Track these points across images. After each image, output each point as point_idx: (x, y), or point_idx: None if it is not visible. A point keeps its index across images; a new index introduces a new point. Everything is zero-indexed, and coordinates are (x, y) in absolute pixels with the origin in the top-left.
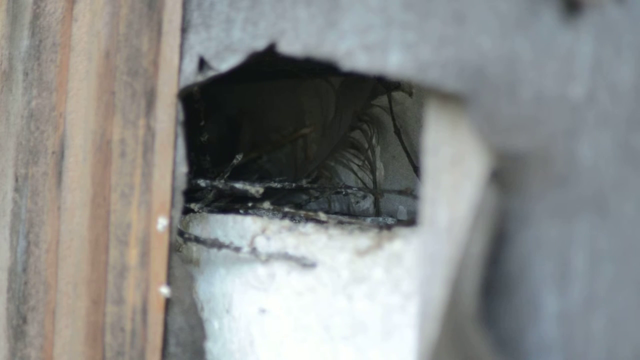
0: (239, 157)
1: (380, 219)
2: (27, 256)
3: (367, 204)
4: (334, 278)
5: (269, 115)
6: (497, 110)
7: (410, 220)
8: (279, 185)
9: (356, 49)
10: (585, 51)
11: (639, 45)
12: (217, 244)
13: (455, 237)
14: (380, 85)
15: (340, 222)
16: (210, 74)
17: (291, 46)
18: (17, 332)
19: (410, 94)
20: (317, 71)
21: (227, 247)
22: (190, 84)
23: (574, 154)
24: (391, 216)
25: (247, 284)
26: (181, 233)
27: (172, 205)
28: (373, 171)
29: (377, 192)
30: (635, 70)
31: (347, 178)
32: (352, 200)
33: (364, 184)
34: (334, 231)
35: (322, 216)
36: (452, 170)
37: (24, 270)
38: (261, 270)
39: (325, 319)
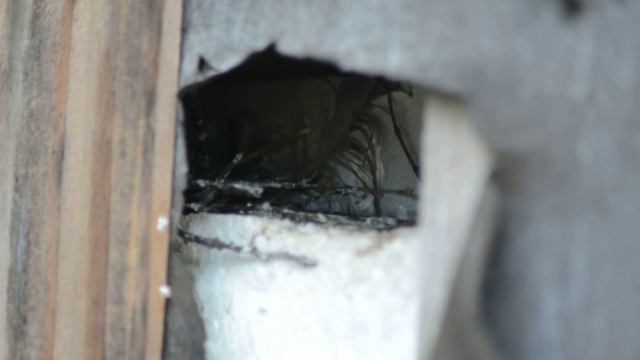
0: (238, 157)
1: (380, 219)
2: (27, 256)
3: (367, 204)
4: (334, 278)
5: (269, 116)
6: (497, 110)
7: (410, 220)
8: (278, 186)
9: (356, 49)
10: (585, 51)
11: (639, 45)
12: (218, 244)
13: (455, 237)
14: (380, 85)
15: (340, 223)
16: (210, 74)
17: (291, 46)
18: (17, 332)
19: (410, 94)
20: (317, 71)
21: (228, 247)
22: (190, 84)
23: (574, 153)
24: (391, 216)
25: (247, 284)
26: (181, 233)
27: (172, 205)
28: (373, 171)
29: (377, 192)
30: (635, 70)
31: (347, 178)
32: (352, 200)
33: (364, 184)
34: (334, 231)
35: (322, 218)
36: (452, 170)
37: (24, 270)
38: (261, 270)
39: (325, 319)
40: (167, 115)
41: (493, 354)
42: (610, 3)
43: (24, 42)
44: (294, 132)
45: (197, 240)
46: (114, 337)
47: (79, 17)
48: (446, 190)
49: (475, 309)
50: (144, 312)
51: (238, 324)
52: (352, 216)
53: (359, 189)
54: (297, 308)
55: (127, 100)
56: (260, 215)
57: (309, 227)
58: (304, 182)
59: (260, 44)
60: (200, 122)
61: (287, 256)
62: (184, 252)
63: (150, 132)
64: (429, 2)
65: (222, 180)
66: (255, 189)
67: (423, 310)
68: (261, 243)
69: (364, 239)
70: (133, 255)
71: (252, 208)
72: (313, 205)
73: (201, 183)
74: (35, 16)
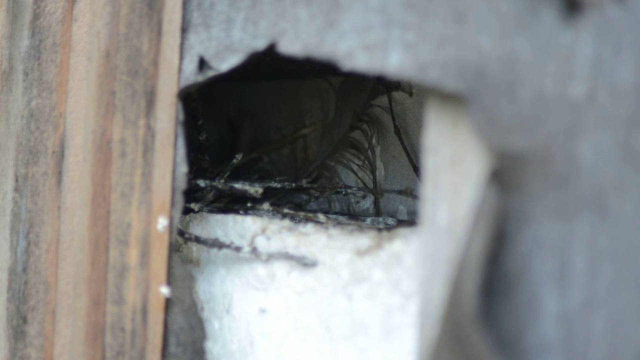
0: (238, 157)
1: (380, 219)
2: (27, 256)
3: (367, 204)
4: (334, 278)
5: (269, 116)
6: (497, 110)
7: (410, 220)
8: (278, 185)
9: (356, 49)
10: (585, 51)
11: (639, 45)
12: (218, 244)
13: (455, 237)
14: (380, 85)
15: (340, 223)
16: (210, 74)
17: (291, 46)
18: (17, 332)
19: (410, 94)
20: (317, 71)
21: (228, 247)
22: (190, 84)
23: (574, 153)
24: (391, 216)
25: (247, 283)
26: (181, 233)
27: (172, 205)
28: (373, 171)
29: (377, 192)
30: (635, 70)
31: (347, 178)
32: (352, 200)
33: (364, 184)
34: (334, 231)
35: (322, 218)
36: (452, 170)
37: (24, 270)
38: (261, 270)
39: (326, 319)
40: (167, 115)
41: (493, 353)
42: (610, 3)
43: (24, 42)
44: (294, 132)
45: (197, 240)
46: (114, 337)
47: (79, 17)
48: (446, 190)
49: (475, 309)
50: (144, 312)
51: (238, 324)
52: (352, 216)
53: (359, 189)
54: (297, 308)
55: (127, 100)
56: (260, 215)
57: (309, 227)
58: (304, 182)
59: (260, 44)
60: (200, 122)
61: (287, 256)
62: (184, 252)
63: (150, 132)
64: (429, 2)
65: (222, 180)
66: (255, 189)
67: (423, 310)
68: (261, 243)
69: (364, 239)
70: (133, 255)
71: (252, 208)
72: (313, 205)
73: (201, 183)
74: (35, 16)
